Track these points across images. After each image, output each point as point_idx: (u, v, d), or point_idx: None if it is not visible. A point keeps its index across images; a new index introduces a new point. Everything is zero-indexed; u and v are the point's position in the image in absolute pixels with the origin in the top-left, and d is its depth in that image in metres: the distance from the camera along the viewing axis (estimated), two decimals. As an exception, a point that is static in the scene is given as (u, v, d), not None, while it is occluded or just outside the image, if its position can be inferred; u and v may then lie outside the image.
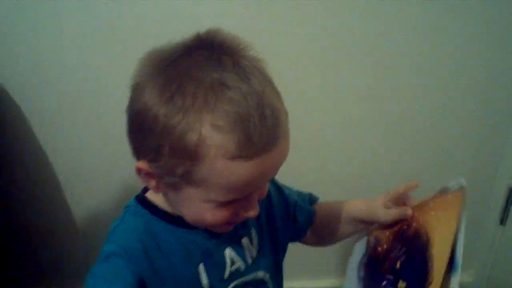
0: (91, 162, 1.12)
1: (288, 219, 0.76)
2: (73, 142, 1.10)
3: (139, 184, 0.62)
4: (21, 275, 1.17)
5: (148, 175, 0.58)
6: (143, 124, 0.54)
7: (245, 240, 0.68)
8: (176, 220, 0.63)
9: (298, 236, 0.79)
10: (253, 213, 0.59)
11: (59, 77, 1.04)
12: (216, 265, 0.65)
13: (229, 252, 0.66)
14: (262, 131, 0.51)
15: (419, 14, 1.03)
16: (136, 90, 0.55)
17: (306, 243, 0.81)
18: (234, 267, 0.66)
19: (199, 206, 0.57)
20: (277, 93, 0.56)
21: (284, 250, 0.76)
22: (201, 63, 0.53)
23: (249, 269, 0.68)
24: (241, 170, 0.52)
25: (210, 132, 0.51)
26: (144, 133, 0.55)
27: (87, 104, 1.07)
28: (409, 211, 0.68)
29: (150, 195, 0.65)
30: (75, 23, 0.99)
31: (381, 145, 1.16)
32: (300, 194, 0.79)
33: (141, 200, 0.65)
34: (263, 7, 1.00)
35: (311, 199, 0.80)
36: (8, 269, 1.13)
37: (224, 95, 0.51)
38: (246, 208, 0.59)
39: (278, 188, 0.76)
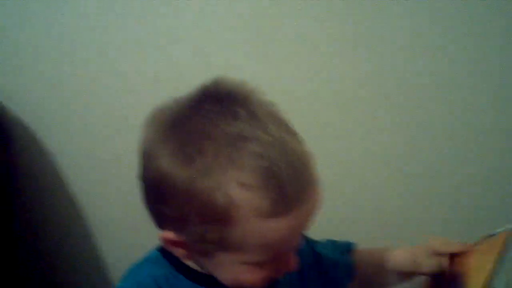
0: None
1: (324, 280, 0.70)
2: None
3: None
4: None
5: (175, 244, 0.54)
6: (163, 193, 0.51)
7: None
8: (201, 278, 0.58)
9: None
10: (291, 268, 0.55)
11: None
12: None
13: None
14: (293, 181, 0.48)
15: (422, 13, 0.99)
16: (148, 158, 0.52)
17: None
18: None
19: (236, 270, 0.53)
20: (295, 136, 0.52)
21: None
22: (213, 117, 0.49)
23: None
24: (277, 227, 0.49)
25: (238, 191, 0.47)
26: (166, 202, 0.51)
27: (98, 113, 1.04)
28: (446, 263, 0.65)
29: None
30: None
31: (382, 148, 1.10)
32: (334, 245, 0.74)
33: (164, 251, 0.60)
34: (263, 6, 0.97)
35: (349, 248, 0.74)
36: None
37: (246, 148, 0.47)
38: (286, 263, 0.55)
39: (310, 246, 0.70)
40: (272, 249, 0.51)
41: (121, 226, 1.07)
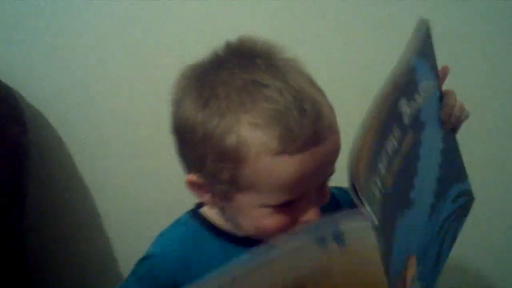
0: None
1: None
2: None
3: (181, 202, 0.62)
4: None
5: (200, 189, 0.57)
6: (185, 136, 0.55)
7: None
8: (228, 237, 0.61)
9: None
10: (313, 216, 0.54)
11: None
12: None
13: None
14: (303, 124, 0.50)
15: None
16: (174, 106, 0.57)
17: None
18: None
19: (255, 214, 0.55)
20: (317, 89, 0.55)
21: None
22: (232, 67, 0.53)
23: None
24: (287, 166, 0.50)
25: (249, 131, 0.50)
26: (187, 144, 0.56)
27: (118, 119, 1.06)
28: None
29: (204, 210, 0.64)
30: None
31: None
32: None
33: (194, 213, 0.64)
34: (263, 7, 1.00)
35: None
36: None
37: (259, 93, 0.51)
38: (304, 212, 0.55)
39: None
40: (286, 191, 0.52)
41: (134, 211, 1.08)
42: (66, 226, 1.11)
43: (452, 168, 0.62)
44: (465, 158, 0.67)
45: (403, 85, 0.49)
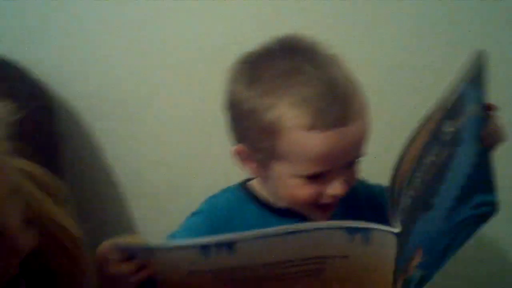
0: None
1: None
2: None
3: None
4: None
5: (245, 158, 0.65)
6: (234, 110, 0.65)
7: None
8: (270, 208, 0.68)
9: None
10: (338, 190, 0.62)
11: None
12: None
13: None
14: (333, 106, 0.58)
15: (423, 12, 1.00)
16: (228, 85, 0.66)
17: None
18: None
19: (289, 183, 0.62)
20: (351, 81, 0.62)
21: None
22: (278, 56, 0.63)
23: None
24: (317, 140, 0.58)
25: (286, 109, 0.59)
26: (235, 118, 0.65)
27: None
28: None
29: (251, 183, 0.71)
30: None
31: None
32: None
33: (241, 184, 0.72)
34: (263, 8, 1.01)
35: None
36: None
37: (298, 78, 0.59)
38: (331, 185, 0.62)
39: (368, 188, 0.76)
40: (315, 163, 0.60)
41: (162, 208, 1.08)
42: (94, 219, 1.03)
43: (479, 180, 0.69)
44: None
45: (449, 109, 0.56)
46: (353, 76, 0.63)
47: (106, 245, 0.53)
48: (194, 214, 0.70)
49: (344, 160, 0.62)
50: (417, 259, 0.58)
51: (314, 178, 0.61)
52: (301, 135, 0.59)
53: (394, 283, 0.52)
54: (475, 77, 0.62)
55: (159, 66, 1.02)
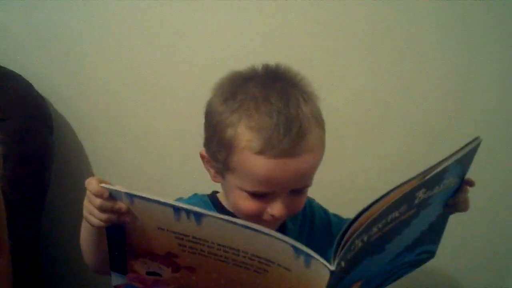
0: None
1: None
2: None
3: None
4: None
5: (206, 162, 0.74)
6: (207, 119, 0.73)
7: None
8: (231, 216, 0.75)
9: None
10: (276, 212, 0.68)
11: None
12: None
13: None
14: (284, 139, 0.64)
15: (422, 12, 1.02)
16: (210, 95, 0.73)
17: None
18: None
19: (236, 194, 0.70)
20: (317, 122, 0.69)
21: None
22: (257, 81, 0.69)
23: None
24: (262, 164, 0.65)
25: (243, 130, 0.66)
26: (206, 126, 0.73)
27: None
28: None
29: (218, 195, 0.79)
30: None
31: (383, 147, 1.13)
32: (343, 219, 0.85)
33: (210, 194, 0.80)
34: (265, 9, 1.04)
35: None
36: None
37: (264, 107, 0.66)
38: (271, 206, 0.69)
39: (326, 213, 0.85)
40: (258, 183, 0.67)
41: None
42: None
43: (431, 235, 0.77)
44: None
45: (429, 180, 0.62)
46: (320, 115, 0.70)
47: (94, 180, 0.58)
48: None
49: (287, 187, 0.68)
50: None
51: (257, 196, 0.68)
52: (250, 156, 0.66)
53: None
54: (463, 157, 0.67)
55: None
